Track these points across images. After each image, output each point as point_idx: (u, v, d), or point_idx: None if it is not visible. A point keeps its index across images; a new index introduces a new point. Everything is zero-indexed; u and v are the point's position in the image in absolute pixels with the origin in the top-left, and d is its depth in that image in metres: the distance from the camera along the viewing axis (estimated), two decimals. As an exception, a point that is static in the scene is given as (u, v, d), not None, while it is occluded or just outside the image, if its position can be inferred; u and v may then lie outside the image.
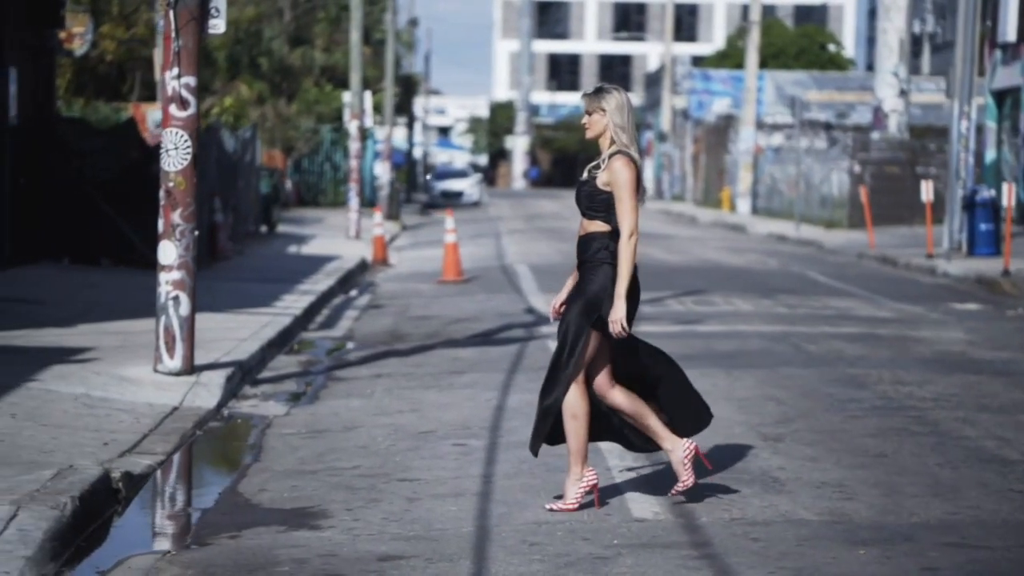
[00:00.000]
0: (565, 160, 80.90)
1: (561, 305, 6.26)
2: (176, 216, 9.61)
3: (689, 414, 6.34)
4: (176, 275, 9.60)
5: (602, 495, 6.37)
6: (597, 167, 6.14)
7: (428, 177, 54.73)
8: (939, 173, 31.36)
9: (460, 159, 77.31)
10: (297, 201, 39.86)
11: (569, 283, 6.34)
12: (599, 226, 6.11)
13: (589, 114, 6.20)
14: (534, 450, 6.32)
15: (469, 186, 51.34)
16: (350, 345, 12.60)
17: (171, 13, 9.49)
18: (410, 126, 54.23)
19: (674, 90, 58.39)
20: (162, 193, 9.64)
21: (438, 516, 6.24)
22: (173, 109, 9.54)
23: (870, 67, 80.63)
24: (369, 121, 30.67)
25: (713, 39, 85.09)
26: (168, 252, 9.61)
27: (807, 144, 36.00)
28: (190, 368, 9.60)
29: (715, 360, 10.95)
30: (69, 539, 5.89)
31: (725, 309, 14.97)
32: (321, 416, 8.92)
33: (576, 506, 6.22)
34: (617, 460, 7.26)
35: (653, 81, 65.95)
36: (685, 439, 6.26)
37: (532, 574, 5.34)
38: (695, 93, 56.84)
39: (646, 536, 5.83)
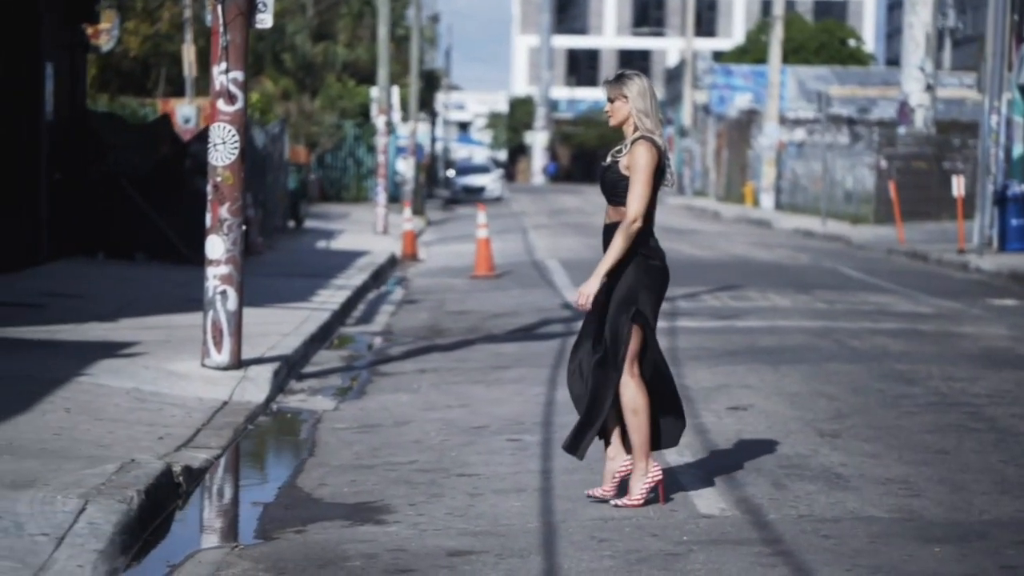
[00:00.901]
0: (584, 155, 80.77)
1: (588, 299, 6.09)
2: (224, 211, 9.61)
3: (669, 427, 6.27)
4: (224, 269, 9.60)
5: (666, 491, 6.34)
6: (620, 151, 6.08)
7: (449, 172, 54.68)
8: (965, 168, 31.24)
9: (479, 154, 77.22)
10: (320, 196, 39.91)
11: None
12: (625, 213, 6.07)
13: (611, 101, 6.12)
14: (581, 453, 6.24)
15: (491, 181, 51.27)
16: (390, 340, 12.59)
17: (219, 8, 9.49)
18: (432, 122, 54.24)
19: (695, 85, 58.25)
20: (210, 188, 9.64)
21: (502, 511, 6.22)
22: (221, 104, 9.54)
23: (890, 62, 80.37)
24: (397, 116, 30.68)
25: (732, 34, 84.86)
26: (216, 247, 9.61)
27: (831, 139, 35.87)
28: (237, 363, 9.59)
29: (759, 355, 10.91)
30: (137, 533, 5.89)
31: (762, 304, 14.92)
32: (371, 411, 8.91)
33: (642, 502, 6.20)
34: (675, 456, 7.24)
35: (674, 76, 65.81)
36: (628, 457, 6.19)
37: (605, 570, 5.32)
38: (716, 88, 56.68)
39: (715, 532, 5.81)
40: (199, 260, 17.39)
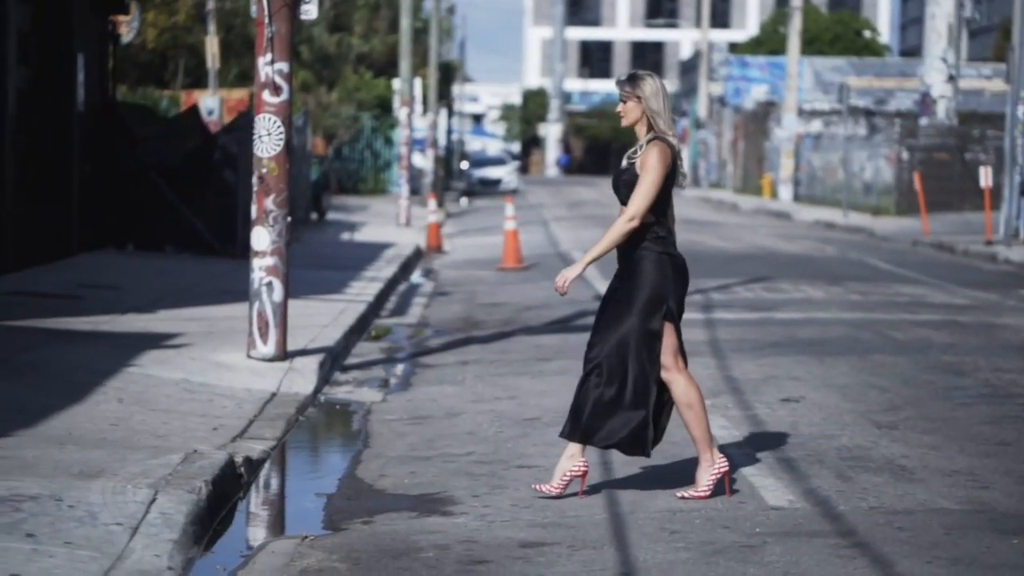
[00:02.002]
0: (598, 148, 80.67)
1: (566, 282, 6.04)
2: (269, 202, 9.59)
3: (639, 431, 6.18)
4: (269, 261, 9.57)
5: (731, 482, 6.32)
6: (635, 153, 6.06)
7: (463, 165, 54.63)
8: (987, 159, 31.14)
9: (493, 147, 77.11)
10: (337, 188, 39.93)
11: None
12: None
13: (624, 101, 6.10)
14: (647, 452, 6.20)
15: (507, 174, 51.22)
16: (427, 332, 12.59)
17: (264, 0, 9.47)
18: (449, 114, 54.15)
19: (710, 77, 58.11)
20: (255, 179, 9.62)
21: (568, 503, 6.21)
22: (266, 95, 9.52)
23: (904, 53, 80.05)
24: (419, 108, 30.64)
25: (746, 25, 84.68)
26: (261, 238, 9.59)
27: (851, 131, 35.77)
28: (283, 354, 9.58)
29: (802, 347, 10.88)
30: (206, 523, 5.89)
31: (796, 296, 14.89)
32: (419, 402, 8.90)
33: (709, 493, 6.18)
34: (736, 448, 7.23)
35: (689, 68, 65.68)
36: (584, 460, 6.15)
37: (682, 562, 5.30)
38: (732, 80, 56.55)
39: (787, 524, 5.78)
40: (227, 252, 17.59)
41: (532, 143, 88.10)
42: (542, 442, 7.54)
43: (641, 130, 6.08)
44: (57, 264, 15.05)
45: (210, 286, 14.29)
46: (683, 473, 6.67)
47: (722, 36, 73.36)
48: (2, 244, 13.63)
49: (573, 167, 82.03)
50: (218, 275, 15.40)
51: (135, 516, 5.57)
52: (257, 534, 6.08)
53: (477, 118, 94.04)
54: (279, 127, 9.55)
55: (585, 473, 6.25)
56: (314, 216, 26.90)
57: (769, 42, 60.67)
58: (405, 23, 26.94)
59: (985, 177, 22.89)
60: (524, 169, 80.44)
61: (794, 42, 40.79)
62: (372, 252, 20.04)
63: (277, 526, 6.29)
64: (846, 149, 34.00)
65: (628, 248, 6.07)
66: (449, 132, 52.73)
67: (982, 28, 64.50)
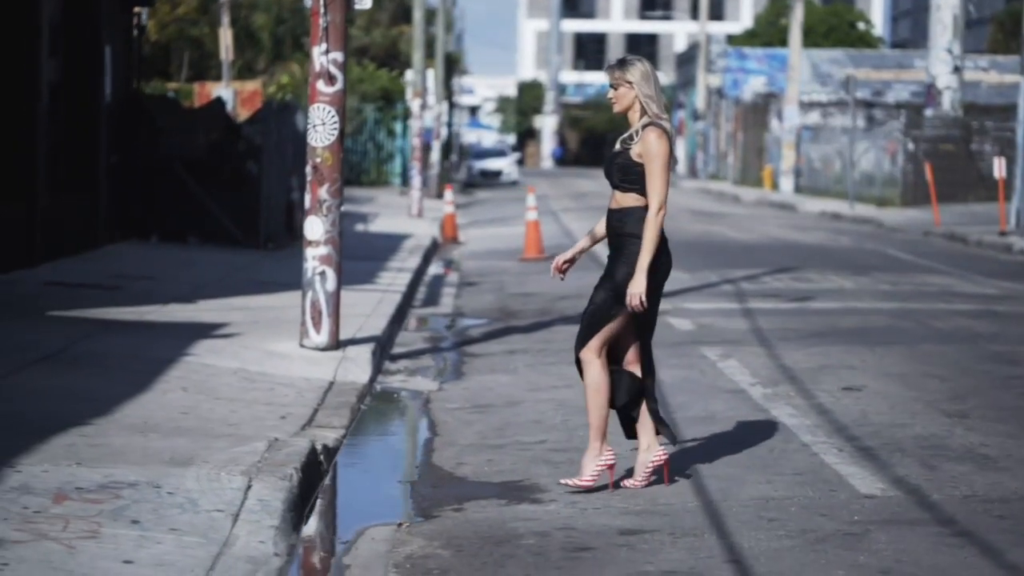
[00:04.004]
0: (593, 139, 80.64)
1: (565, 263, 6.24)
2: (323, 191, 9.58)
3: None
4: (323, 250, 9.57)
5: (817, 472, 6.32)
6: (631, 138, 6.01)
7: (461, 157, 54.58)
8: (992, 151, 31.20)
9: (488, 139, 77.09)
10: (341, 180, 39.77)
11: (583, 242, 6.33)
12: (635, 199, 5.99)
13: (615, 88, 6.04)
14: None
15: (508, 165, 51.23)
16: (466, 322, 12.59)
17: (318, -12, 9.43)
18: (450, 105, 54.08)
19: (708, 68, 58.13)
20: (309, 169, 9.62)
21: (658, 491, 6.21)
22: (321, 85, 9.50)
23: (895, 45, 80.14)
24: (432, 99, 30.57)
25: (740, 17, 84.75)
26: (315, 227, 9.58)
27: (853, 122, 35.81)
28: (336, 343, 9.57)
29: (847, 337, 10.90)
30: (300, 510, 5.90)
31: (827, 286, 14.90)
32: (477, 391, 8.90)
33: (592, 483, 6.12)
34: (810, 436, 7.24)
35: (685, 59, 65.69)
36: (662, 447, 6.21)
37: (787, 549, 5.31)
38: (730, 71, 56.55)
39: (885, 512, 5.79)
40: (251, 243, 17.54)
41: (528, 135, 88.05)
42: (613, 430, 7.51)
43: (634, 116, 6.02)
44: (85, 255, 15.00)
45: (242, 277, 14.26)
46: (765, 461, 6.69)
47: (716, 28, 73.37)
48: (35, 235, 13.58)
49: (568, 159, 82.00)
50: (245, 266, 15.37)
51: (234, 503, 5.57)
52: (350, 521, 6.07)
53: (473, 110, 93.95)
54: (334, 116, 9.53)
55: (667, 461, 6.26)
56: (325, 207, 26.83)
57: (764, 34, 60.70)
58: (418, 15, 26.88)
59: (999, 168, 22.95)
60: (521, 161, 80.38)
61: (796, 34, 40.78)
62: (391, 243, 20.02)
63: (367, 513, 6.26)
64: (850, 140, 34.03)
65: (621, 232, 6.01)
66: (449, 124, 52.69)
67: (974, 20, 64.60)
